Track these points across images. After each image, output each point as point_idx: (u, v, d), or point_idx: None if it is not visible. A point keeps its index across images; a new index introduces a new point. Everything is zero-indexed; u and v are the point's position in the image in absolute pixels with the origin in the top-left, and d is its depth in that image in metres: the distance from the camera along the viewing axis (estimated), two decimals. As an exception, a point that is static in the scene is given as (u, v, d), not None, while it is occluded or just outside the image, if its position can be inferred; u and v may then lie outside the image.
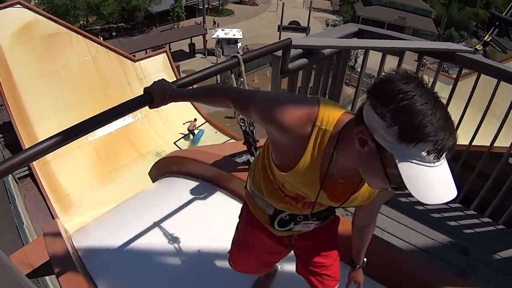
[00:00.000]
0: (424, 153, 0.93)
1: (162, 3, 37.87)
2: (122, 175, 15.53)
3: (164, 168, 4.17)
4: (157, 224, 3.01)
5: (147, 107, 1.79)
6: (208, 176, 3.38)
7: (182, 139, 18.10)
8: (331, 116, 1.19)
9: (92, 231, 3.55)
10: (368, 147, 1.05)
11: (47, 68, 16.04)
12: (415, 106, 0.93)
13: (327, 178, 1.28)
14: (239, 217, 1.94)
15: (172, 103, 1.73)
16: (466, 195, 3.55)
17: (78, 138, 1.65)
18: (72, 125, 1.63)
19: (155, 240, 2.89)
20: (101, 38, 25.07)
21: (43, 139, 1.53)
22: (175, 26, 39.21)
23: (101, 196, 14.02)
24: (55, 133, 1.56)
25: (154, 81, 1.76)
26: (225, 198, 3.22)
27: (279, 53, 2.66)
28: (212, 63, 30.13)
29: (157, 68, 18.64)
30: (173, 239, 2.84)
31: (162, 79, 1.78)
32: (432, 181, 0.96)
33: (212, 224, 3.03)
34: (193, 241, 2.85)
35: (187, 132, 18.44)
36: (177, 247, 2.80)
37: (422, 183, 0.95)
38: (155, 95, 1.71)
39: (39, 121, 15.24)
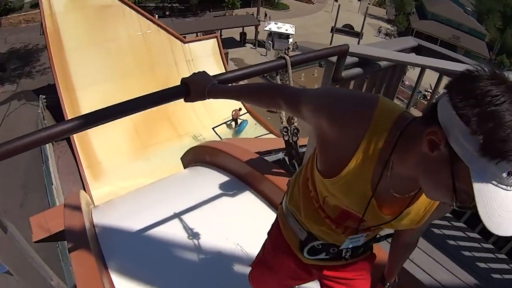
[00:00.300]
0: (504, 174, 0.77)
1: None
2: (156, 152, 15.71)
3: (198, 156, 4.12)
4: (180, 214, 2.94)
5: (182, 100, 1.67)
6: (240, 173, 3.30)
7: (222, 126, 18.06)
8: (390, 114, 1.03)
9: (115, 209, 3.54)
10: (439, 152, 0.87)
11: (97, 38, 16.31)
12: (504, 116, 0.76)
13: (379, 188, 1.09)
14: (268, 234, 1.78)
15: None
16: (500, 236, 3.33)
17: (106, 122, 1.62)
18: (109, 105, 1.60)
19: (174, 231, 2.81)
20: (156, 16, 25.35)
21: (73, 118, 1.51)
22: (227, 13, 39.24)
23: (133, 169, 14.33)
24: (87, 112, 1.54)
25: (194, 73, 1.62)
26: (254, 199, 3.11)
27: (334, 58, 2.51)
28: (261, 54, 30.21)
29: (205, 52, 18.70)
30: (193, 234, 2.76)
31: (203, 71, 1.65)
32: (508, 208, 0.80)
33: (235, 224, 2.94)
34: (213, 238, 2.76)
35: (230, 119, 18.47)
36: (195, 242, 2.72)
37: (497, 209, 0.79)
38: (193, 88, 1.59)
39: (83, 88, 15.56)
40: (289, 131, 2.46)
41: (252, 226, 2.85)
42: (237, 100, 1.64)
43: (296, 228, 1.49)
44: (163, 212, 3.00)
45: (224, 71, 15.39)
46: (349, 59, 2.58)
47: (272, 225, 1.74)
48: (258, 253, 1.87)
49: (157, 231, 2.84)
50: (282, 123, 2.38)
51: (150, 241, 2.82)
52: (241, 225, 2.91)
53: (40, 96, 19.17)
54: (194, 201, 3.09)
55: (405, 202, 1.15)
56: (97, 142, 14.97)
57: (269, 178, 2.91)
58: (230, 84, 1.75)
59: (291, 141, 2.51)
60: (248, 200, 3.12)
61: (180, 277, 2.58)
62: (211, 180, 3.45)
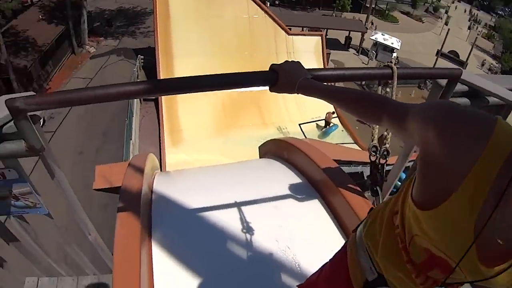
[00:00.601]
0: None
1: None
2: (237, 134, 15.85)
3: (276, 150, 4.05)
4: (240, 204, 2.86)
5: (267, 88, 1.54)
6: (314, 178, 3.17)
7: (310, 124, 17.89)
8: (510, 137, 0.79)
9: (180, 180, 3.52)
10: None
11: (203, 12, 16.74)
12: None
13: (484, 230, 0.82)
14: (331, 260, 1.56)
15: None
16: None
17: (191, 91, 1.59)
18: (196, 75, 1.55)
19: (230, 219, 2.72)
20: (268, 4, 25.43)
21: (159, 79, 1.49)
22: (335, 14, 38.77)
23: (211, 145, 14.60)
24: (174, 77, 1.52)
25: (286, 61, 1.49)
26: (321, 210, 2.95)
27: (443, 82, 2.30)
28: (363, 62, 29.63)
29: (308, 48, 18.56)
30: (248, 228, 2.65)
31: (297, 61, 1.50)
32: None
33: (295, 230, 2.77)
34: (267, 238, 2.63)
35: (320, 119, 18.26)
36: (247, 237, 2.60)
37: None
38: (282, 78, 1.45)
39: (180, 57, 16.09)
40: (378, 152, 2.22)
41: (311, 238, 2.72)
42: (329, 102, 1.43)
43: (367, 266, 1.27)
44: (225, 196, 2.94)
45: (324, 70, 15.44)
46: (458, 86, 2.36)
47: (338, 252, 1.53)
48: (311, 277, 1.68)
49: (212, 215, 2.78)
50: (372, 140, 2.15)
51: (202, 223, 2.76)
52: (301, 233, 2.75)
53: (139, 56, 20.12)
54: (259, 194, 3.00)
55: (510, 254, 0.86)
56: (183, 110, 15.43)
57: (343, 193, 2.73)
58: (325, 83, 1.52)
59: (378, 163, 2.28)
60: (314, 209, 2.96)
61: (221, 267, 2.48)
62: (282, 177, 3.35)
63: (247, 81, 1.64)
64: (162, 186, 3.16)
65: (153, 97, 16.78)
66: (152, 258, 2.39)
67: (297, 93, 1.44)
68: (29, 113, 1.56)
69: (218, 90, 1.66)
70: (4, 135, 1.68)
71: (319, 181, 3.10)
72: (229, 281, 2.38)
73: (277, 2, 37.03)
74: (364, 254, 1.29)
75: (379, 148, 2.22)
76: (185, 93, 1.60)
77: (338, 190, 2.77)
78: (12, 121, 1.60)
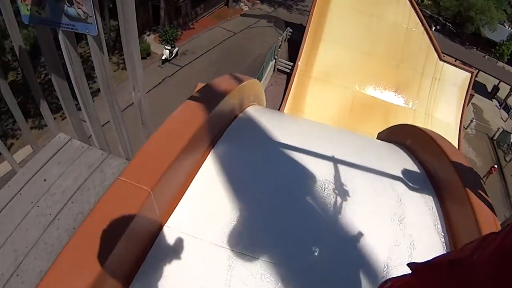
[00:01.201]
0: None
1: (498, 33, 35.95)
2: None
3: (397, 135, 3.74)
4: (337, 161, 2.65)
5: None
6: (436, 172, 2.80)
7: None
8: None
9: (271, 116, 3.44)
10: None
11: (363, 7, 16.41)
12: None
13: None
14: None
15: None
16: None
17: None
18: None
19: (317, 172, 2.53)
20: (433, 28, 24.22)
21: None
22: (486, 56, 36.24)
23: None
24: None
25: None
26: (434, 213, 2.56)
27: None
28: (501, 117, 27.58)
29: (455, 81, 17.49)
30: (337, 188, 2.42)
31: None
32: None
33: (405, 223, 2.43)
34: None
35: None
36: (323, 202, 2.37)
37: None
38: None
39: (327, 42, 15.89)
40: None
41: (411, 242, 2.34)
42: None
43: None
44: (319, 149, 2.77)
45: (461, 109, 15.57)
46: None
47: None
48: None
49: (297, 158, 2.65)
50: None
51: (280, 159, 2.66)
52: (403, 228, 2.41)
53: (288, 28, 20.21)
54: (360, 160, 2.80)
55: None
56: (311, 95, 15.28)
57: (470, 197, 2.32)
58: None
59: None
60: (427, 210, 2.59)
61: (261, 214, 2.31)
62: (395, 158, 3.03)
63: None
64: (252, 113, 3.02)
65: (288, 70, 16.90)
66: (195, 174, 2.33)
67: None
68: None
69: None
70: None
71: (441, 175, 2.72)
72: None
73: (437, 27, 35.64)
74: None
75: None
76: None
77: (465, 192, 2.36)
78: None
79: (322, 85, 15.01)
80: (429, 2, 37.63)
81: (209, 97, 2.61)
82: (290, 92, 15.19)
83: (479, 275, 0.70)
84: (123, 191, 1.83)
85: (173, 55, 21.19)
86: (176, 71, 19.86)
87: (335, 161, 2.66)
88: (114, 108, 2.92)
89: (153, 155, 2.04)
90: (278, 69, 17.53)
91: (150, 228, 2.01)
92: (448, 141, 3.03)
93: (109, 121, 3.02)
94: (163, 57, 20.82)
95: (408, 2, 16.92)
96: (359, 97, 15.41)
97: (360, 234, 2.20)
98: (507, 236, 0.79)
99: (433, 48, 17.25)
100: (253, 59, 21.12)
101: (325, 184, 2.47)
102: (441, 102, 15.78)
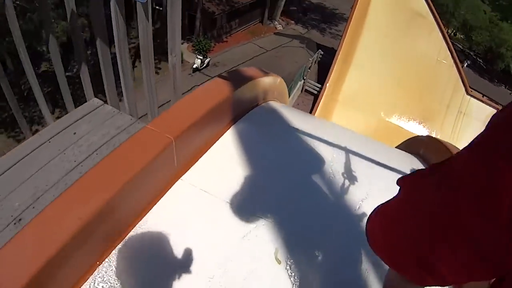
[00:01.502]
0: None
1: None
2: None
3: (412, 146, 3.95)
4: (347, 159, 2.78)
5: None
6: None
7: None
8: None
9: (283, 110, 3.47)
10: None
11: (395, 35, 16.44)
12: None
13: None
14: None
15: None
16: None
17: None
18: None
19: (326, 168, 2.64)
20: (465, 64, 23.89)
21: None
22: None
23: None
24: None
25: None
26: None
27: None
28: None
29: (479, 116, 17.31)
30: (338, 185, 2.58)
31: None
32: None
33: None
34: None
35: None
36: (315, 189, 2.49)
37: None
38: None
39: (356, 67, 15.99)
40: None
41: None
42: None
43: None
44: (332, 149, 2.86)
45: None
46: None
47: None
48: None
49: (308, 152, 2.77)
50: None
51: (291, 151, 2.77)
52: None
53: (319, 50, 20.59)
54: (368, 164, 2.86)
55: None
56: (336, 119, 15.09)
57: None
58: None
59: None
60: None
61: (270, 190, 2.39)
62: (407, 166, 3.21)
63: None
64: (280, 105, 3.29)
65: (316, 91, 17.04)
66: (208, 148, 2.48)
67: None
68: None
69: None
70: None
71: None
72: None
73: (468, 62, 35.35)
74: None
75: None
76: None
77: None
78: None
79: (348, 109, 15.11)
80: (462, 36, 37.38)
81: (236, 78, 2.80)
82: (316, 114, 15.18)
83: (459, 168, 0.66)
84: (147, 136, 1.96)
85: (204, 65, 21.73)
86: (206, 81, 20.27)
87: (350, 152, 2.84)
88: (149, 71, 3.10)
89: (180, 112, 2.22)
90: (306, 90, 17.71)
91: (165, 176, 2.12)
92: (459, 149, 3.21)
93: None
94: (194, 66, 21.39)
95: (440, 34, 16.99)
96: (383, 125, 15.44)
97: (364, 215, 2.35)
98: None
99: (461, 82, 17.15)
100: (282, 77, 21.03)
101: (334, 170, 2.63)
102: (464, 136, 15.53)
